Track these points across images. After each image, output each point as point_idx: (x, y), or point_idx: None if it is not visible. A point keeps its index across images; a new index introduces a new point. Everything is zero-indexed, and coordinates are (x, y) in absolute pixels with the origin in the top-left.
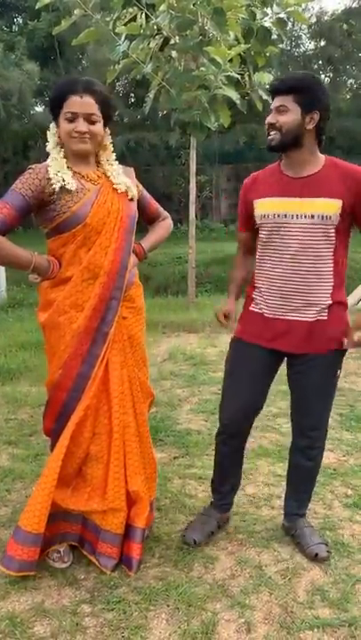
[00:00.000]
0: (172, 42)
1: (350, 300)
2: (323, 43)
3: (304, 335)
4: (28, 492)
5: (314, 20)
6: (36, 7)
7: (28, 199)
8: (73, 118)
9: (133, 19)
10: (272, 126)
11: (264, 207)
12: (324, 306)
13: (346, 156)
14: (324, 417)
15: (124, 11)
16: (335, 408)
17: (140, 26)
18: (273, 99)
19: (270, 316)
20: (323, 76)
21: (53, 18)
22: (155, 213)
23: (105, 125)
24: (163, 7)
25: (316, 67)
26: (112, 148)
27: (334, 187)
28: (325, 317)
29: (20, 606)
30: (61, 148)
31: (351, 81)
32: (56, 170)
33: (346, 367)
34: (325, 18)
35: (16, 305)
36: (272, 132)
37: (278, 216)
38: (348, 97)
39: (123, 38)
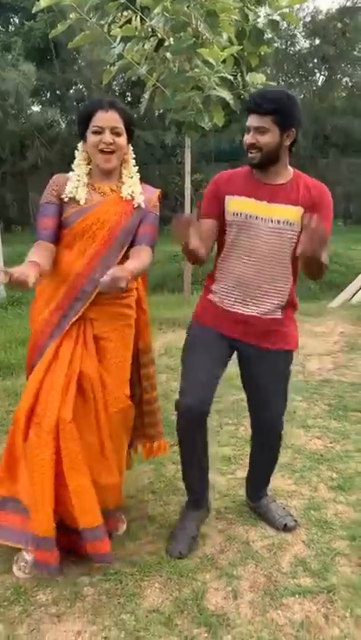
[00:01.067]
0: (166, 43)
1: (344, 294)
2: (317, 41)
3: (260, 330)
4: None
5: (308, 19)
6: (33, 11)
7: (56, 204)
8: (100, 131)
9: (128, 21)
10: (252, 146)
11: (236, 205)
12: (280, 305)
13: (341, 154)
14: (281, 413)
15: (119, 14)
16: (325, 398)
17: (135, 28)
18: (250, 116)
19: (229, 308)
20: (318, 75)
21: (50, 18)
22: (142, 236)
23: (128, 141)
24: (157, 10)
25: (310, 65)
26: (134, 162)
27: (299, 195)
28: (280, 316)
29: (17, 580)
30: (88, 164)
31: (346, 79)
32: (74, 186)
33: (336, 360)
34: (320, 17)
35: (15, 303)
36: (253, 151)
37: (249, 217)
38: (343, 95)
39: (118, 40)
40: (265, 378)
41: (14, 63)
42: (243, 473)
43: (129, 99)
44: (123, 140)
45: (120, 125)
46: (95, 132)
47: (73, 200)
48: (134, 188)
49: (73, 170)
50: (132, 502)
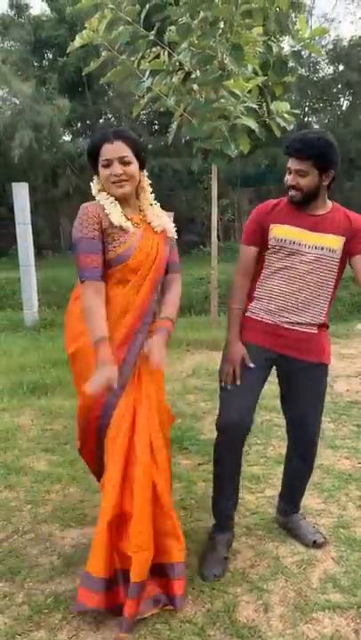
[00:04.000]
0: (193, 76)
1: None
2: (341, 67)
3: (297, 342)
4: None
5: (331, 46)
6: (68, 50)
7: (98, 238)
8: (108, 164)
9: (157, 56)
10: (294, 187)
11: (281, 232)
12: (316, 323)
13: None
14: (318, 425)
15: (148, 50)
16: (353, 419)
17: (163, 62)
18: (290, 158)
19: (267, 321)
20: (342, 100)
21: (82, 54)
22: (173, 264)
23: (141, 168)
24: (184, 45)
25: (334, 90)
26: (150, 190)
27: (341, 226)
28: (315, 332)
29: (61, 587)
30: (107, 194)
31: None
32: (118, 213)
33: None
34: (343, 43)
35: (47, 325)
36: (293, 192)
37: (293, 243)
38: None
39: (147, 75)
40: (304, 389)
41: (49, 96)
42: (271, 491)
43: (156, 127)
44: (133, 167)
45: (128, 154)
46: (105, 166)
47: (120, 230)
48: (163, 220)
49: (99, 200)
50: None
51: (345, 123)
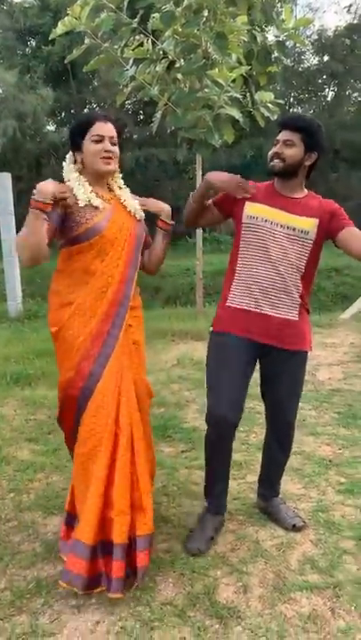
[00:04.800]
0: (177, 65)
1: (355, 306)
2: (326, 58)
3: (281, 331)
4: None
5: (316, 37)
6: (50, 37)
7: (59, 213)
8: (100, 140)
9: (140, 45)
10: (277, 155)
11: (254, 210)
12: (294, 307)
13: (351, 168)
14: (295, 411)
15: (132, 38)
16: (334, 406)
17: (147, 50)
18: (280, 131)
19: (247, 308)
20: (327, 90)
21: (67, 42)
22: (149, 242)
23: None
24: (168, 33)
25: (320, 81)
26: (120, 174)
27: (314, 209)
28: (295, 318)
29: (43, 573)
30: (80, 174)
31: (355, 94)
32: (81, 189)
33: (346, 370)
34: (328, 34)
35: (31, 317)
36: (276, 160)
37: (266, 221)
38: (352, 110)
39: (130, 63)
40: (283, 376)
41: (33, 85)
42: (253, 477)
43: (142, 116)
44: (117, 149)
45: (115, 136)
46: (96, 141)
47: (89, 206)
48: (133, 202)
49: (67, 179)
50: None
51: (330, 114)
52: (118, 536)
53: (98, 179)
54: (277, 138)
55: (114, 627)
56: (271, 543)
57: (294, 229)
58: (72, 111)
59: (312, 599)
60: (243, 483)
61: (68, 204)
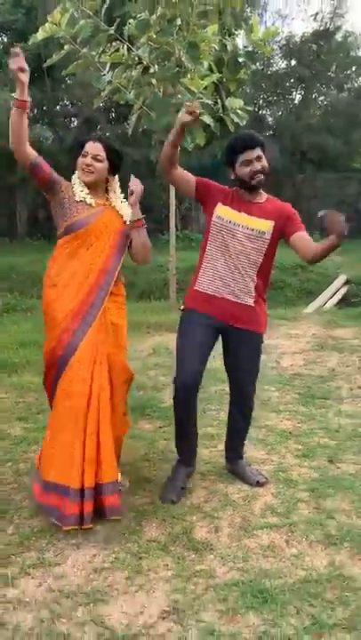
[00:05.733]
0: (151, 70)
1: (318, 301)
2: (293, 62)
3: (236, 311)
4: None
5: (284, 42)
6: (30, 42)
7: (51, 173)
8: (85, 155)
9: (117, 51)
10: (259, 172)
11: (223, 211)
12: (250, 295)
13: (317, 169)
14: (254, 381)
15: (108, 44)
16: (295, 388)
17: (123, 55)
18: (244, 152)
19: (212, 294)
20: (294, 94)
21: (42, 41)
22: None
23: (113, 173)
24: (143, 40)
25: (288, 84)
26: (118, 184)
27: (271, 213)
28: (252, 304)
29: (44, 523)
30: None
31: (321, 98)
32: (81, 189)
33: (307, 357)
34: (296, 39)
35: (10, 310)
36: (259, 175)
37: (230, 222)
38: (318, 114)
39: (107, 68)
40: (241, 352)
41: (7, 82)
42: (222, 446)
43: (114, 115)
44: (101, 165)
45: (102, 154)
46: (82, 155)
47: (83, 203)
48: (125, 208)
49: (73, 181)
50: (131, 469)
51: (297, 116)
52: (87, 481)
53: (90, 185)
54: (247, 158)
55: (108, 558)
56: (238, 495)
57: (253, 230)
58: (45, 108)
59: (271, 535)
60: (214, 450)
61: (65, 191)
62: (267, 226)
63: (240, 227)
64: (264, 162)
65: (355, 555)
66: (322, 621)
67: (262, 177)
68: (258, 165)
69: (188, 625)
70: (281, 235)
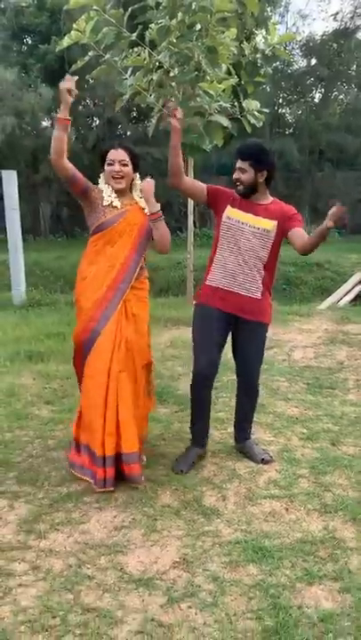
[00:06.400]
0: (171, 74)
1: (332, 298)
2: (314, 61)
3: (246, 305)
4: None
5: (304, 42)
6: (57, 49)
7: (86, 183)
8: (112, 163)
9: (138, 55)
10: (237, 180)
11: (232, 213)
12: (258, 289)
13: (335, 168)
14: (259, 368)
15: (130, 50)
16: (304, 379)
17: (144, 59)
18: (237, 160)
19: (223, 287)
20: (314, 93)
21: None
22: None
23: (134, 171)
24: (163, 44)
25: (308, 83)
26: (140, 180)
27: (274, 213)
28: (259, 297)
29: (71, 489)
30: (108, 185)
31: (341, 97)
32: (110, 195)
33: (317, 351)
34: (316, 38)
35: (35, 304)
36: (238, 184)
37: (238, 222)
38: (337, 112)
39: (129, 72)
40: (248, 341)
41: (31, 84)
42: (232, 429)
43: (135, 114)
44: (128, 169)
45: (126, 159)
46: (109, 164)
47: (110, 206)
48: (146, 207)
49: (100, 187)
50: (148, 446)
51: (316, 116)
52: (108, 449)
53: (118, 192)
54: (237, 166)
55: (127, 518)
56: (245, 471)
57: (259, 228)
58: None
59: (273, 503)
60: (224, 432)
61: (96, 196)
62: (271, 225)
63: (248, 225)
64: (245, 176)
65: (347, 521)
66: (313, 573)
67: (240, 188)
68: (237, 175)
69: (196, 573)
70: (283, 233)
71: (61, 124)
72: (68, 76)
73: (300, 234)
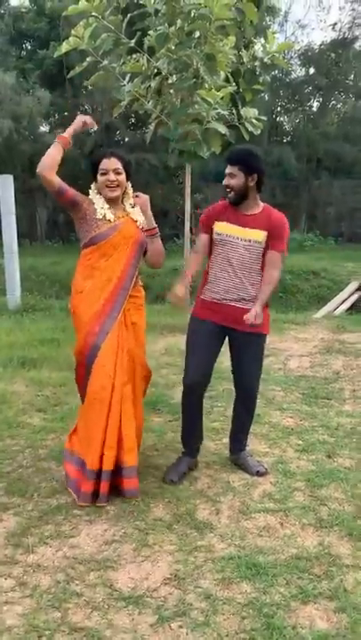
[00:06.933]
0: (169, 81)
1: (329, 306)
2: (312, 70)
3: (239, 316)
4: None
5: (302, 51)
6: (55, 55)
7: (74, 195)
8: (105, 173)
9: (137, 61)
10: (227, 186)
11: (220, 228)
12: (253, 299)
13: (333, 176)
14: (257, 379)
15: (129, 57)
16: (300, 389)
17: (142, 65)
18: (227, 165)
19: (217, 301)
20: (312, 102)
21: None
22: None
23: (127, 179)
24: (162, 51)
25: (306, 92)
26: (132, 194)
27: (264, 223)
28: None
29: (61, 501)
30: (100, 195)
31: (338, 106)
32: (101, 207)
33: (313, 360)
34: (314, 47)
35: (30, 309)
36: (228, 190)
37: (228, 236)
38: (334, 121)
39: (127, 79)
40: (245, 353)
41: (29, 88)
42: (227, 440)
43: (133, 121)
44: (122, 177)
45: (119, 167)
46: (102, 174)
47: (103, 219)
48: (140, 217)
49: (92, 198)
50: (141, 457)
51: (314, 124)
52: (106, 464)
53: (110, 202)
54: (226, 171)
55: (118, 532)
56: (239, 483)
57: (250, 240)
58: (66, 113)
59: (267, 517)
60: (219, 443)
61: (87, 208)
62: (262, 236)
63: (238, 239)
64: (235, 180)
65: (343, 537)
66: (307, 591)
67: (232, 195)
68: (227, 181)
69: (188, 590)
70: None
71: (60, 143)
72: (90, 119)
73: (270, 260)
